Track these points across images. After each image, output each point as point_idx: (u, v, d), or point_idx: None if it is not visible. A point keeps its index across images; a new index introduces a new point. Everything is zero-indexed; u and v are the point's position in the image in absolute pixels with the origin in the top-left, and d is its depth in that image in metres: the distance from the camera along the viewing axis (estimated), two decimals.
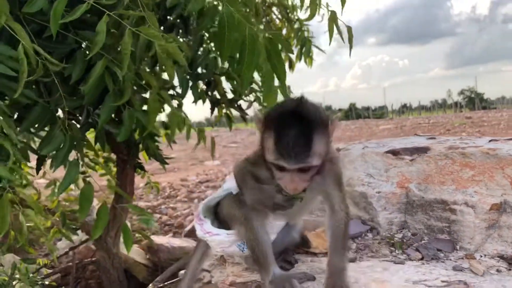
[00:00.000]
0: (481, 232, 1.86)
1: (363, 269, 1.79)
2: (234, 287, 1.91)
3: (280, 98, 2.55)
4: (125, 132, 2.37)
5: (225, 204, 1.84)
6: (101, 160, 3.86)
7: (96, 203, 3.35)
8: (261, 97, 3.27)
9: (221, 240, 1.86)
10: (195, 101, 3.04)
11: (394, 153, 2.30)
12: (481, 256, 1.81)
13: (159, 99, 2.31)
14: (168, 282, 3.36)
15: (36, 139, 2.72)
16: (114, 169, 3.98)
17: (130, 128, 2.39)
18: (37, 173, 2.51)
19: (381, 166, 2.29)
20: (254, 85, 3.25)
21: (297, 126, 1.36)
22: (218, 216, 1.94)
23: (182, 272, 3.06)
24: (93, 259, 3.98)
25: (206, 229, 1.89)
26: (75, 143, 2.24)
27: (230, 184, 1.83)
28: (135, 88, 2.42)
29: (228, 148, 18.10)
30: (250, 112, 3.50)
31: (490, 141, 2.26)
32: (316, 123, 1.38)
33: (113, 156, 3.53)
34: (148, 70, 2.77)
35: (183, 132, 2.57)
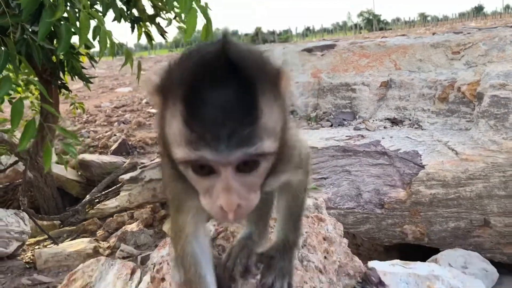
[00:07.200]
0: (374, 103, 2.49)
1: None
2: None
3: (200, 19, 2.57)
4: (65, 45, 2.54)
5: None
6: (21, 82, 3.93)
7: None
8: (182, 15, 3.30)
9: None
10: (116, 19, 3.11)
11: (308, 50, 2.83)
12: (374, 120, 2.44)
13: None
14: (105, 192, 3.63)
15: None
16: (36, 92, 4.05)
17: (69, 41, 2.55)
18: None
19: (298, 62, 2.81)
20: (174, 2, 3.28)
21: (228, 84, 0.70)
22: None
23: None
24: (20, 180, 4.03)
25: None
26: (9, 58, 2.36)
27: None
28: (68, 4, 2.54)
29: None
30: (169, 30, 3.51)
31: (382, 37, 2.86)
32: (260, 77, 0.72)
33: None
34: None
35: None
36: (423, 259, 1.82)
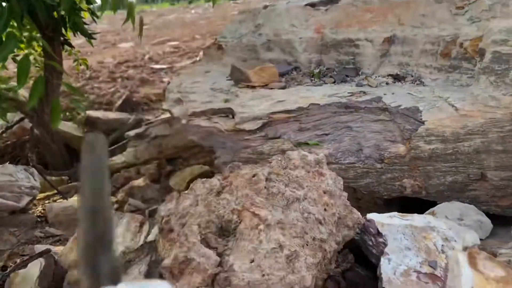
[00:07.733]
0: (377, 59, 2.49)
1: (292, 92, 2.38)
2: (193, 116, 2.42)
3: None
4: (68, 0, 2.54)
5: None
6: (23, 39, 3.92)
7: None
8: None
9: None
10: None
11: (312, 5, 2.80)
12: (376, 77, 2.45)
13: None
14: (111, 148, 3.69)
15: None
16: (38, 49, 4.05)
17: None
18: None
19: (302, 17, 2.79)
20: None
21: None
22: None
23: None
24: (27, 137, 4.08)
25: None
26: (13, 15, 2.36)
27: None
28: None
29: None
30: None
31: None
32: None
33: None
34: None
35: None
36: (421, 212, 1.88)
